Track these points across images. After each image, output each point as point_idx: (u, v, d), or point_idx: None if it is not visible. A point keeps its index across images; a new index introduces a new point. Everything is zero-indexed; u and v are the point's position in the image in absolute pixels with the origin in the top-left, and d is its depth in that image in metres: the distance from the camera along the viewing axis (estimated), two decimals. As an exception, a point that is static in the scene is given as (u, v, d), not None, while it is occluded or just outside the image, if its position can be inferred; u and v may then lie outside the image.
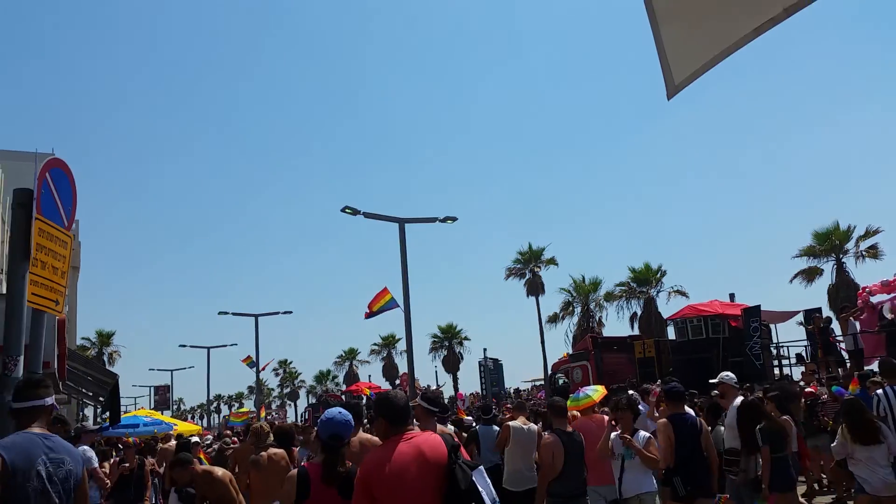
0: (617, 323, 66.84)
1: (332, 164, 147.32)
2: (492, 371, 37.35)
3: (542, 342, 43.37)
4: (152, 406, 48.78)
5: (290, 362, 79.85)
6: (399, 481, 3.44)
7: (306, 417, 37.06)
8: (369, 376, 53.22)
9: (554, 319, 43.13)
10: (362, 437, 5.53)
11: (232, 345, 40.44)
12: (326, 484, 3.77)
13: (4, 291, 11.84)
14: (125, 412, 21.64)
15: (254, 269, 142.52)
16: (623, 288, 39.83)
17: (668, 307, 36.77)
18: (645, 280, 38.94)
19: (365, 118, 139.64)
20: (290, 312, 36.35)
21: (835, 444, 7.25)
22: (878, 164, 78.64)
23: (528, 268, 44.48)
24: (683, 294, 37.33)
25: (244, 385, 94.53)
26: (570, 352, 26.08)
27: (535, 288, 43.85)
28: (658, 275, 38.82)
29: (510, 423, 8.15)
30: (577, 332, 39.47)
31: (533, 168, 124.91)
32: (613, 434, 6.81)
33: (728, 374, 8.12)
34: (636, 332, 34.67)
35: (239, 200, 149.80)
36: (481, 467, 3.63)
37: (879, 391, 7.51)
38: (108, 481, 9.13)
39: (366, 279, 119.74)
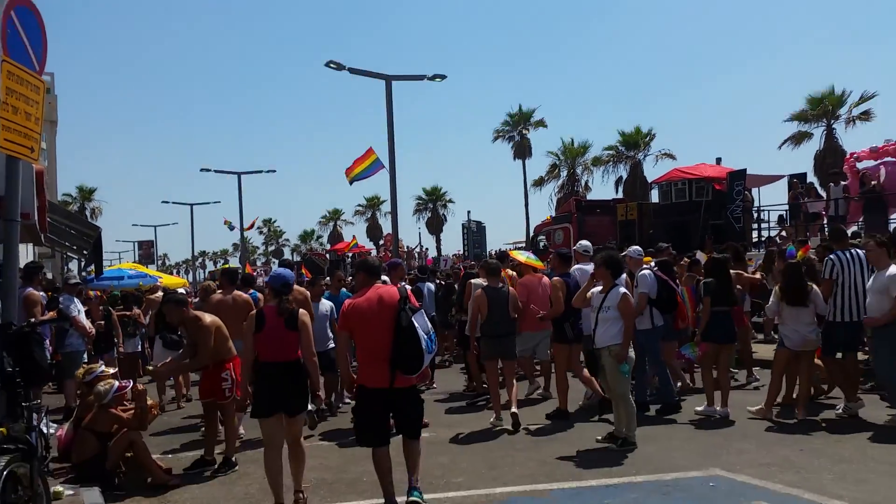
0: (602, 187, 67.02)
1: (317, 19, 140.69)
2: (475, 233, 37.70)
3: (526, 205, 43.71)
4: (136, 260, 49.33)
5: (275, 221, 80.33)
6: (366, 316, 5.11)
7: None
8: (353, 236, 53.71)
9: (539, 183, 43.19)
10: (297, 288, 7.45)
11: (215, 202, 40.73)
12: (278, 317, 5.32)
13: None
14: (109, 266, 21.83)
15: (237, 127, 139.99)
16: (611, 152, 39.58)
17: (655, 171, 36.99)
18: (634, 143, 38.63)
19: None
20: (274, 171, 36.07)
21: (769, 303, 7.89)
22: (879, 29, 76.26)
23: (517, 130, 43.90)
24: (671, 157, 37.24)
25: (229, 242, 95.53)
26: (553, 215, 26.26)
27: (523, 150, 43.51)
28: (647, 138, 38.49)
29: (472, 280, 9.36)
30: (562, 196, 39.62)
31: (525, 28, 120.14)
32: (595, 289, 7.06)
33: (634, 248, 9.05)
34: (621, 196, 34.80)
35: (223, 54, 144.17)
36: (422, 310, 5.30)
37: (832, 255, 7.71)
38: (90, 329, 9.30)
39: (351, 139, 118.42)
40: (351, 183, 19.20)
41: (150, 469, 6.12)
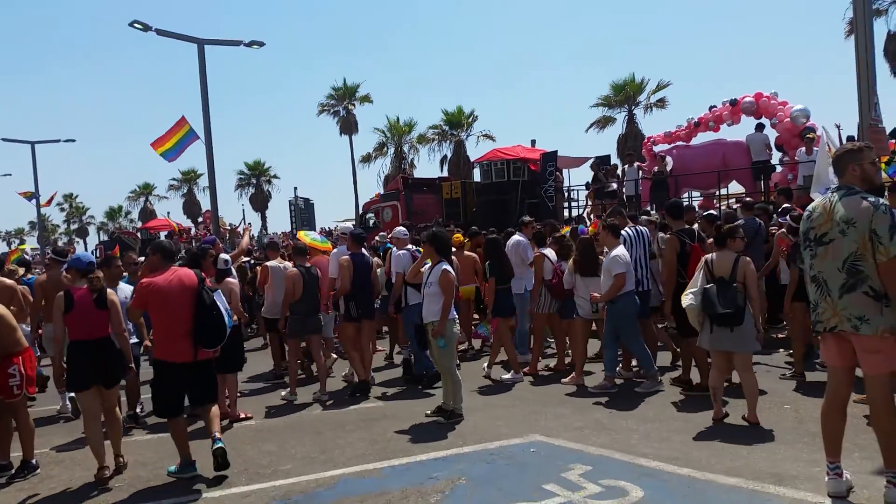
0: (428, 165, 68.14)
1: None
2: (302, 210, 36.74)
3: (355, 182, 43.38)
4: None
5: (76, 196, 73.16)
6: (166, 296, 5.50)
7: (97, 255, 34.65)
8: (168, 213, 50.33)
9: (367, 159, 43.02)
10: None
11: (6, 175, 36.01)
12: (90, 295, 5.76)
13: None
14: None
15: (31, 92, 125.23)
16: (436, 130, 40.29)
17: (476, 150, 38.02)
18: (457, 123, 39.59)
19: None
20: (73, 141, 33.14)
21: (565, 275, 8.51)
22: (676, 21, 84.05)
23: (343, 105, 43.28)
24: (491, 138, 38.64)
25: (24, 220, 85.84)
26: (382, 192, 26.28)
27: (349, 126, 43.03)
28: (469, 119, 39.58)
29: (267, 263, 9.63)
30: (390, 173, 39.78)
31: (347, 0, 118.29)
32: (426, 265, 7.15)
33: (399, 229, 9.35)
34: (446, 174, 35.60)
35: (10, 8, 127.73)
36: (220, 290, 6.03)
37: (624, 231, 8.32)
38: None
39: (163, 108, 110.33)
40: (166, 159, 17.85)
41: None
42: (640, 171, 18.62)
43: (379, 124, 43.74)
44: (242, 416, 7.47)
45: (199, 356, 5.61)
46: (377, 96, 49.76)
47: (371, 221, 23.24)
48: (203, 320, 5.54)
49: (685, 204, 15.21)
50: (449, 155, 39.80)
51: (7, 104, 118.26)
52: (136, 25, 16.78)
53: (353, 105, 43.42)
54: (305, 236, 10.42)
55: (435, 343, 6.78)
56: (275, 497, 5.04)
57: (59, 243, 64.38)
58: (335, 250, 9.34)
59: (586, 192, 19.85)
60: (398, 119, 42.29)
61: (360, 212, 26.89)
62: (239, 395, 7.95)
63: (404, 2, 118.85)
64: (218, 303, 5.67)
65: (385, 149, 42.54)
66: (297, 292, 8.19)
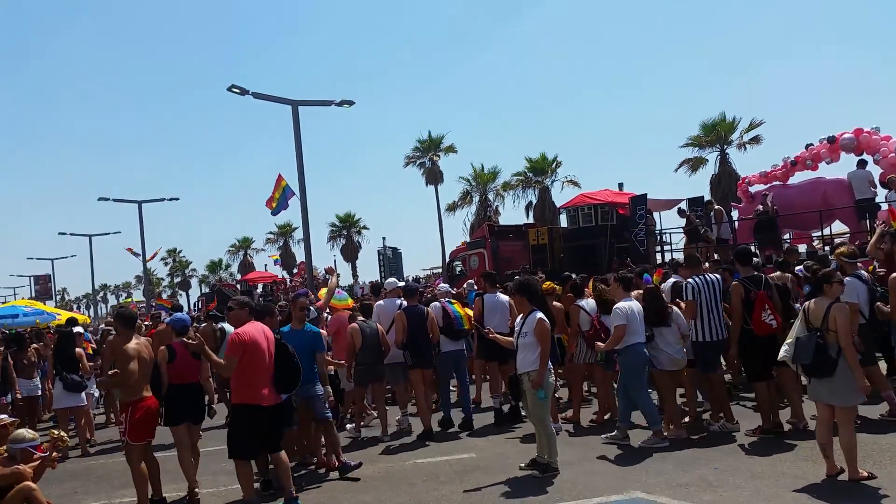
0: (513, 212, 68.25)
1: (220, 43, 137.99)
2: (391, 259, 37.52)
3: (441, 230, 43.92)
4: (33, 296, 46.32)
5: (180, 251, 77.31)
6: (258, 342, 6.08)
7: (199, 307, 36.33)
8: (265, 266, 52.34)
9: (452, 208, 43.54)
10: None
11: (115, 233, 38.69)
12: (188, 351, 6.63)
13: None
14: (3, 303, 20.37)
15: (137, 154, 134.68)
16: (520, 177, 40.41)
17: (561, 196, 37.83)
18: (541, 170, 39.61)
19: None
20: (177, 199, 35.10)
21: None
22: (766, 59, 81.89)
23: (427, 156, 44.19)
24: (576, 184, 38.37)
25: (131, 274, 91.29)
26: (468, 240, 26.51)
27: (434, 176, 43.81)
28: (553, 165, 39.55)
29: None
30: (475, 221, 40.08)
31: (434, 54, 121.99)
32: (519, 317, 7.10)
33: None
34: (531, 220, 35.57)
35: (121, 77, 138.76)
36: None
37: (690, 280, 8.15)
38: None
39: (259, 166, 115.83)
40: (273, 214, 18.97)
41: (49, 526, 5.69)
42: (737, 213, 18.03)
43: (464, 173, 44.21)
44: (337, 464, 7.55)
45: (277, 401, 6.15)
46: (461, 146, 50.55)
47: (458, 269, 23.43)
48: (285, 367, 6.20)
49: (787, 246, 14.59)
50: (534, 201, 39.78)
51: (115, 167, 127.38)
52: (234, 90, 17.82)
53: (438, 156, 44.25)
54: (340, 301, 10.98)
55: (533, 394, 6.68)
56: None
57: (164, 296, 68.06)
58: (382, 302, 9.67)
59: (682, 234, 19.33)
60: (482, 167, 42.76)
61: (447, 260, 27.16)
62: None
63: (486, 54, 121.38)
64: (294, 353, 6.39)
65: (470, 197, 42.96)
66: (357, 344, 8.74)
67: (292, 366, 6.25)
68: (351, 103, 19.57)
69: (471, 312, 9.60)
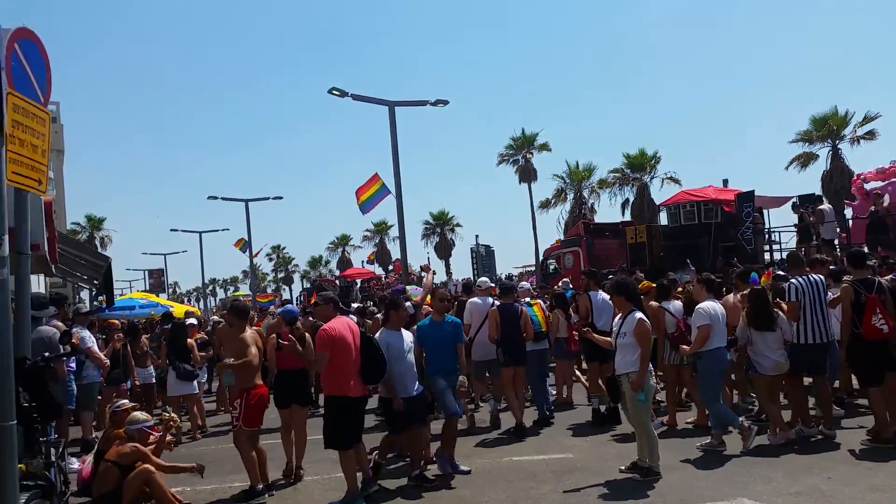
0: (609, 209, 66.78)
1: (320, 46, 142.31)
2: (483, 257, 37.59)
3: (534, 228, 43.57)
4: (147, 289, 49.34)
5: (284, 248, 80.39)
6: (345, 337, 6.29)
7: (301, 300, 37.63)
8: (362, 262, 53.62)
9: (546, 205, 43.08)
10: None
11: (224, 229, 40.50)
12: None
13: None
14: (120, 295, 21.83)
15: (242, 153, 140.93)
16: (617, 174, 39.51)
17: (660, 194, 36.67)
18: (639, 166, 38.58)
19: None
20: (281, 198, 36.23)
21: (738, 328, 7.97)
22: (882, 47, 76.50)
23: (521, 154, 43.96)
24: (676, 181, 37.11)
25: (238, 269, 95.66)
26: (562, 238, 26.17)
27: (528, 174, 43.52)
28: (652, 161, 38.45)
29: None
30: (570, 219, 39.50)
31: (527, 51, 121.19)
32: (617, 317, 6.97)
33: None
34: (628, 218, 34.71)
35: (226, 82, 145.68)
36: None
37: (793, 280, 7.80)
38: (105, 360, 9.23)
39: (357, 165, 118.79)
40: (362, 211, 19.20)
41: (168, 504, 6.04)
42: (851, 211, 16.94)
43: (558, 170, 43.67)
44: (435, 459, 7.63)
45: (364, 393, 6.49)
46: (555, 143, 49.81)
47: (552, 267, 23.16)
48: (371, 359, 6.38)
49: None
50: (631, 199, 38.80)
51: (224, 166, 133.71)
52: (334, 92, 18.28)
53: (532, 153, 43.92)
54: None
55: (633, 396, 6.53)
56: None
57: (268, 290, 71.02)
58: (476, 300, 9.66)
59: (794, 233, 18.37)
60: (577, 164, 42.11)
61: (541, 258, 26.90)
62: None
63: (581, 50, 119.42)
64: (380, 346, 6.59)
65: (564, 195, 42.38)
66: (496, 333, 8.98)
67: (377, 358, 6.42)
68: (445, 103, 19.68)
69: (539, 314, 9.58)
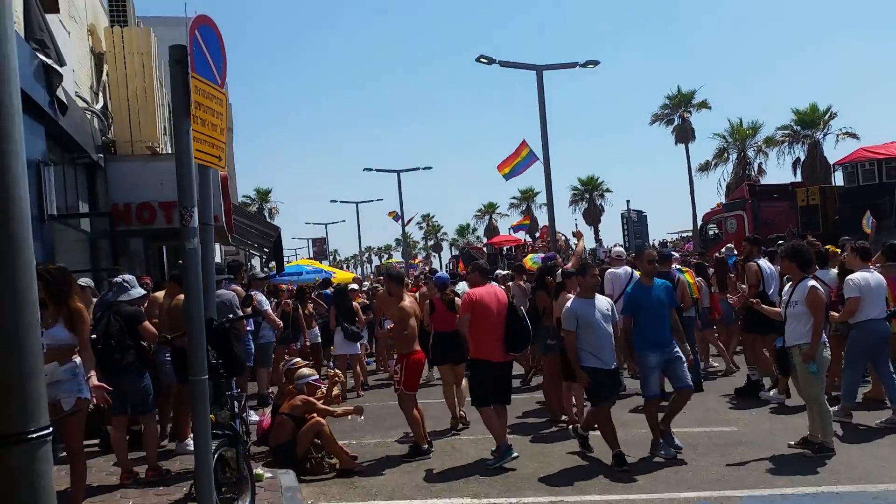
0: (777, 170, 62.05)
1: (465, 13, 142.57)
2: (635, 223, 36.39)
3: (692, 192, 41.34)
4: (311, 256, 52.58)
5: (433, 216, 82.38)
6: (487, 304, 6.54)
7: (450, 267, 38.49)
8: (509, 229, 53.80)
9: (705, 168, 40.70)
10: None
11: (378, 199, 42.32)
12: (442, 302, 8.28)
13: (172, 152, 12.64)
14: (287, 262, 23.44)
15: (394, 126, 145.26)
16: (786, 132, 36.53)
17: (835, 152, 33.52)
18: (810, 122, 35.44)
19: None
20: (430, 168, 37.17)
21: None
22: None
23: (677, 113, 41.71)
24: (854, 136, 33.75)
25: (391, 238, 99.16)
26: (724, 201, 24.72)
27: (685, 134, 41.24)
28: (826, 116, 35.16)
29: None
30: (732, 181, 37.16)
31: (678, 6, 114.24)
32: (787, 286, 6.56)
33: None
34: (798, 179, 32.09)
35: (382, 57, 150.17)
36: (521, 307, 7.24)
37: None
38: (279, 322, 9.96)
39: (504, 132, 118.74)
40: (507, 179, 19.19)
41: (338, 454, 6.47)
42: None
43: (718, 129, 41.09)
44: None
45: (507, 358, 6.66)
46: (715, 101, 46.97)
47: (712, 232, 22.02)
48: (514, 328, 6.50)
49: None
50: (802, 158, 35.77)
51: (376, 141, 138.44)
52: (482, 60, 18.30)
53: (689, 112, 41.56)
54: (528, 260, 11.87)
55: (804, 368, 6.11)
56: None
57: (419, 258, 73.39)
58: (616, 270, 9.27)
59: None
60: (740, 122, 39.37)
61: (700, 223, 25.61)
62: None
63: (738, 2, 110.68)
64: (524, 316, 6.76)
65: (726, 155, 39.83)
66: None
67: (521, 328, 6.56)
68: (596, 63, 19.11)
69: (691, 281, 9.45)
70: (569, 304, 6.46)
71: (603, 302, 6.50)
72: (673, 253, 12.13)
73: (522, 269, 11.77)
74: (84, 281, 8.07)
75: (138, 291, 6.27)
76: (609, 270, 9.55)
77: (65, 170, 9.30)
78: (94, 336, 6.48)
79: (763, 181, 32.26)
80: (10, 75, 2.29)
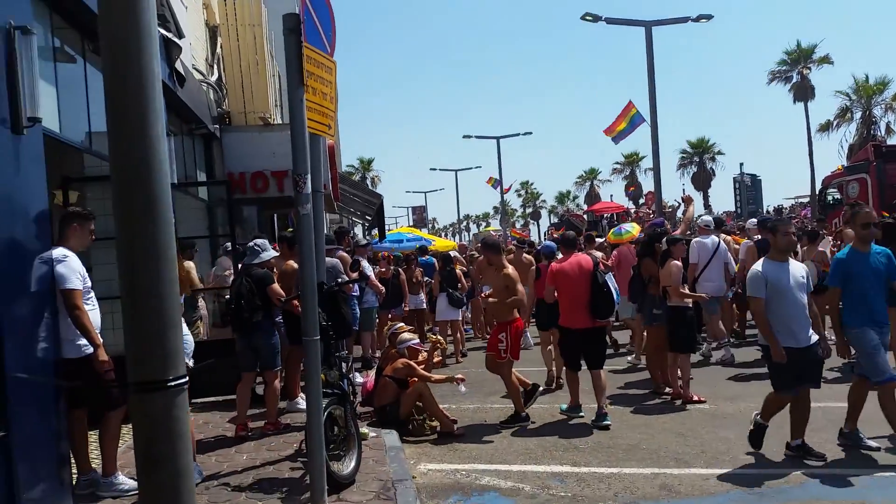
0: (905, 130, 57.28)
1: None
2: (748, 187, 34.80)
3: (811, 154, 38.95)
4: (410, 224, 53.44)
5: (532, 183, 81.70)
6: (568, 275, 6.96)
7: (548, 235, 38.06)
8: (611, 196, 52.52)
9: (826, 128, 38.10)
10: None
11: (476, 167, 42.71)
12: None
13: (283, 122, 13.03)
14: (389, 230, 23.92)
15: (494, 90, 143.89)
16: (917, 87, 33.62)
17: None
18: (948, 76, 32.39)
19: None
20: (530, 133, 37.25)
21: None
22: None
23: (796, 69, 39.17)
24: None
25: (489, 206, 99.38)
26: (846, 164, 23.07)
27: (804, 92, 38.70)
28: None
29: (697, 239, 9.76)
30: (856, 142, 34.61)
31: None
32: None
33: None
34: (932, 139, 29.49)
35: (481, 19, 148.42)
36: (611, 274, 8.61)
37: None
38: (381, 287, 10.17)
39: (608, 94, 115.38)
40: (615, 142, 18.72)
41: (439, 417, 6.63)
42: None
43: (841, 87, 38.23)
44: (696, 398, 7.41)
45: (594, 324, 6.92)
46: (837, 56, 43.80)
47: (832, 198, 20.64)
48: (597, 296, 6.78)
49: None
50: (936, 116, 32.82)
51: (477, 104, 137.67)
52: (587, 18, 17.77)
53: (809, 69, 38.96)
54: (612, 234, 12.21)
55: None
56: (739, 485, 4.91)
57: (517, 226, 73.10)
58: (703, 239, 9.63)
59: None
60: (866, 78, 36.46)
61: (819, 188, 24.05)
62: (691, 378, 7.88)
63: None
64: (609, 282, 7.17)
65: (850, 114, 37.08)
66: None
67: (603, 295, 6.82)
68: (709, 17, 18.21)
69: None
70: (758, 266, 5.48)
71: (798, 267, 5.54)
72: (706, 218, 11.34)
73: (591, 239, 11.74)
74: (227, 246, 8.66)
75: (269, 254, 6.54)
76: (695, 240, 9.64)
77: (183, 140, 9.84)
78: (227, 297, 6.97)
79: (890, 142, 29.80)
80: (153, 67, 2.42)
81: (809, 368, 5.33)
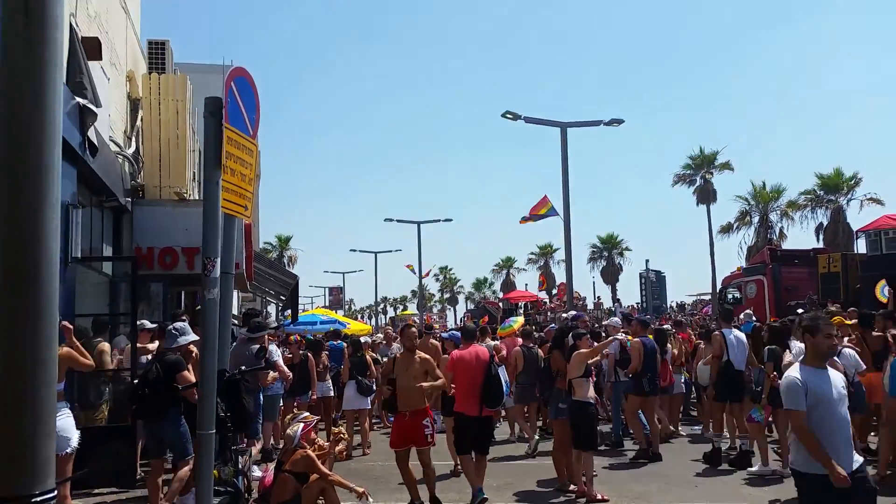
0: (800, 235, 61.71)
1: (491, 68, 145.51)
2: (653, 283, 36.20)
3: (712, 254, 41.01)
4: (326, 305, 52.66)
5: (450, 269, 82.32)
6: (467, 364, 7.26)
7: (464, 322, 38.23)
8: (525, 285, 53.64)
9: (727, 230, 40.38)
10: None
11: (397, 250, 42.41)
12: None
13: (199, 198, 12.79)
14: (303, 311, 23.44)
15: (416, 177, 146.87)
16: (809, 196, 36.34)
17: (860, 218, 33.25)
18: (834, 187, 35.23)
19: (526, 18, 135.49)
20: (451, 220, 37.33)
21: None
22: None
23: (699, 174, 41.74)
24: (879, 202, 33.47)
25: (407, 289, 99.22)
26: (744, 265, 24.51)
27: (707, 195, 41.12)
28: (851, 181, 34.95)
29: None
30: (754, 244, 36.88)
31: (706, 65, 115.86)
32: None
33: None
34: (821, 245, 31.80)
35: (404, 110, 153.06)
36: (503, 366, 8.67)
37: None
38: (289, 374, 9.80)
39: (525, 186, 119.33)
40: (522, 222, 19.61)
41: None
42: None
43: (740, 191, 41.02)
44: (599, 497, 7.37)
45: (483, 413, 7.15)
46: (738, 163, 47.01)
47: (731, 297, 21.77)
48: (489, 386, 7.07)
49: None
50: (825, 223, 35.50)
51: (397, 191, 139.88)
52: (507, 115, 18.58)
53: (712, 173, 41.56)
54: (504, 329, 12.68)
55: None
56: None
57: (434, 311, 73.17)
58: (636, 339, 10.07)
59: None
60: (763, 185, 39.27)
61: (720, 286, 25.37)
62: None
63: (762, 61, 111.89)
64: (500, 374, 7.43)
65: (748, 218, 39.60)
66: (519, 366, 10.61)
67: (496, 385, 7.13)
68: (620, 122, 19.31)
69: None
70: (794, 372, 4.37)
71: (838, 377, 4.45)
72: (615, 320, 12.63)
73: (485, 331, 11.34)
74: (145, 323, 8.26)
75: (187, 338, 6.41)
76: (634, 339, 10.10)
77: (92, 212, 9.46)
78: (136, 382, 6.64)
79: (785, 246, 31.96)
80: (55, 133, 2.22)
81: (859, 499, 4.13)
